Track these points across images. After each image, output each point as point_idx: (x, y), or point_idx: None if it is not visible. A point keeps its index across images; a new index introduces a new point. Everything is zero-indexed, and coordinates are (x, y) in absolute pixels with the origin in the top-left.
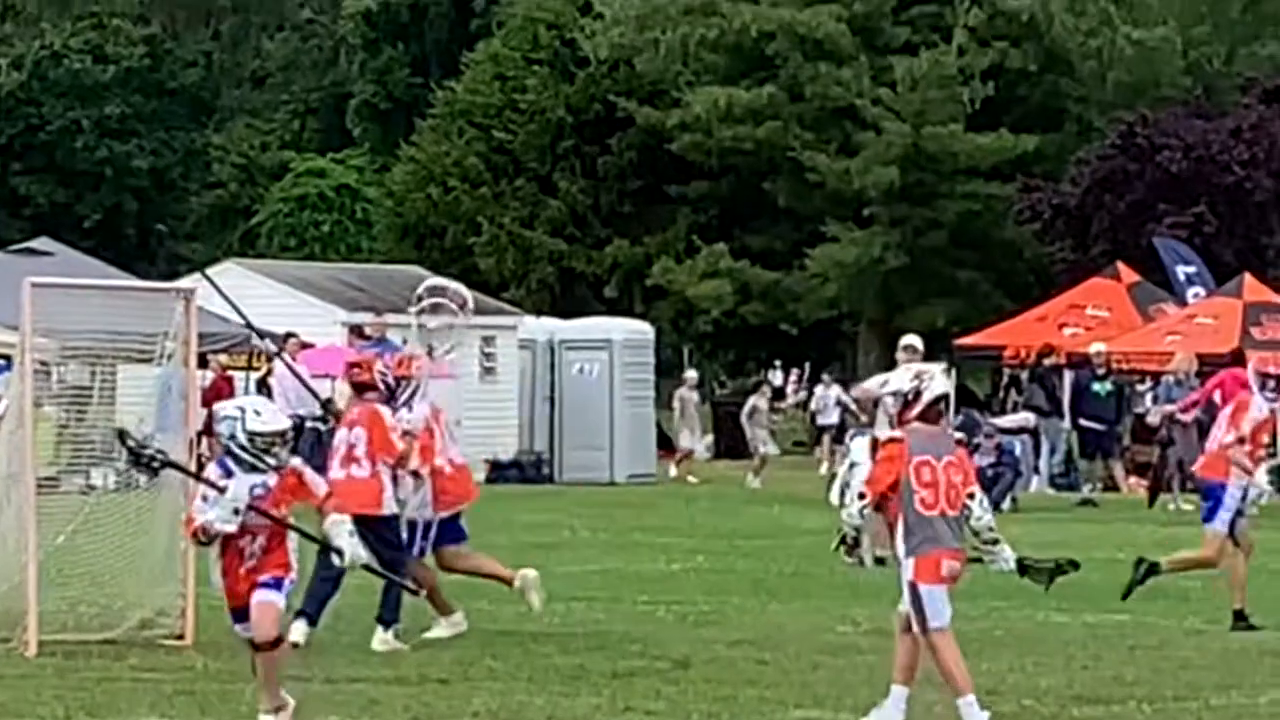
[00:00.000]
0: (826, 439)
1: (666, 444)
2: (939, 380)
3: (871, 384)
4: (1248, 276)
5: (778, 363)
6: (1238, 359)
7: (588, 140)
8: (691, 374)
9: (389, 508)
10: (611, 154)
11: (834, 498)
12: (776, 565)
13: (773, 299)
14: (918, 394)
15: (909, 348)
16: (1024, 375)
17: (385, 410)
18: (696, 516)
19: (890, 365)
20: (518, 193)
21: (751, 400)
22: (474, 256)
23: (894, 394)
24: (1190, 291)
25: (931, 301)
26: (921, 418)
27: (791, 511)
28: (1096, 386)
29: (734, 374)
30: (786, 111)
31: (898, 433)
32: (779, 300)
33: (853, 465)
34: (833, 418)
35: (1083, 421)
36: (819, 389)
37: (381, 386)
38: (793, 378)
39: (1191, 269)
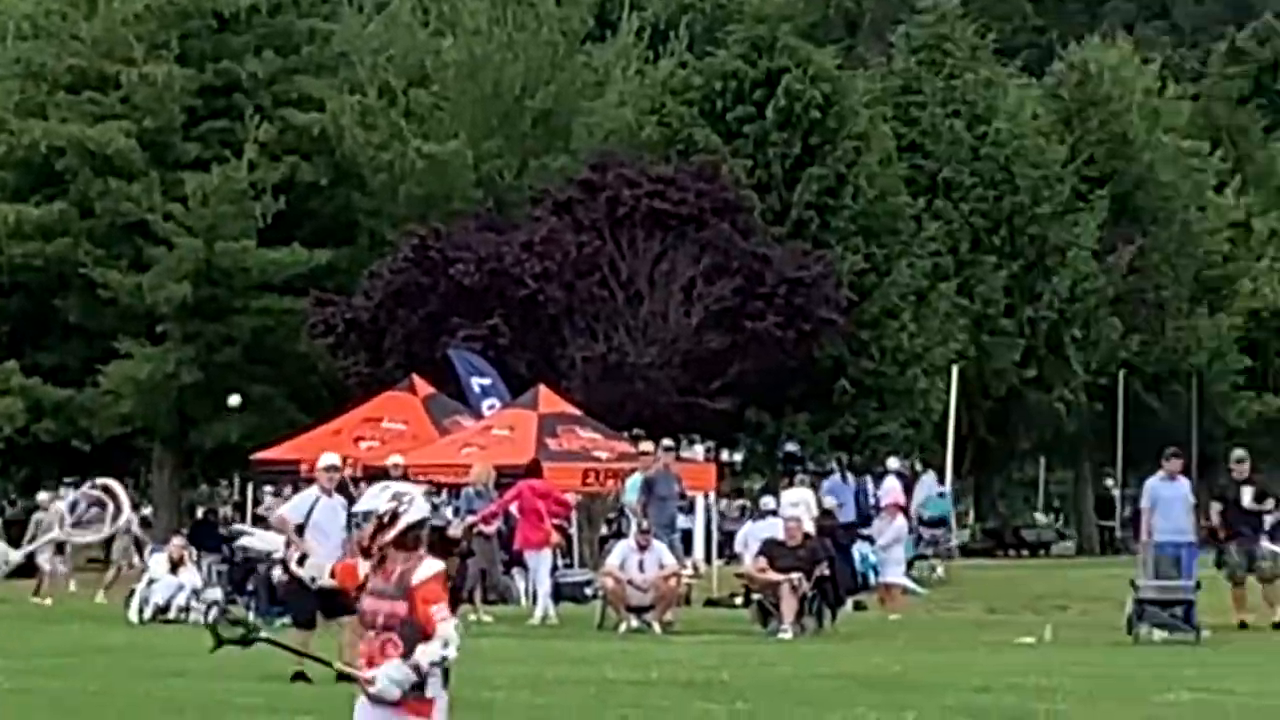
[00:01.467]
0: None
1: None
2: (418, 504)
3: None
4: (542, 388)
5: (67, 480)
6: (534, 469)
7: None
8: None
9: None
10: None
11: (133, 615)
12: (80, 683)
13: (65, 416)
14: (394, 516)
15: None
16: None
17: None
18: None
19: (185, 483)
20: None
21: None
22: None
23: (366, 515)
24: (486, 403)
25: (225, 417)
26: (397, 543)
27: (91, 629)
28: None
29: (26, 492)
30: (77, 227)
31: (440, 564)
32: (72, 417)
33: (151, 581)
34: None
35: None
36: (57, 503)
37: None
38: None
39: (486, 381)
